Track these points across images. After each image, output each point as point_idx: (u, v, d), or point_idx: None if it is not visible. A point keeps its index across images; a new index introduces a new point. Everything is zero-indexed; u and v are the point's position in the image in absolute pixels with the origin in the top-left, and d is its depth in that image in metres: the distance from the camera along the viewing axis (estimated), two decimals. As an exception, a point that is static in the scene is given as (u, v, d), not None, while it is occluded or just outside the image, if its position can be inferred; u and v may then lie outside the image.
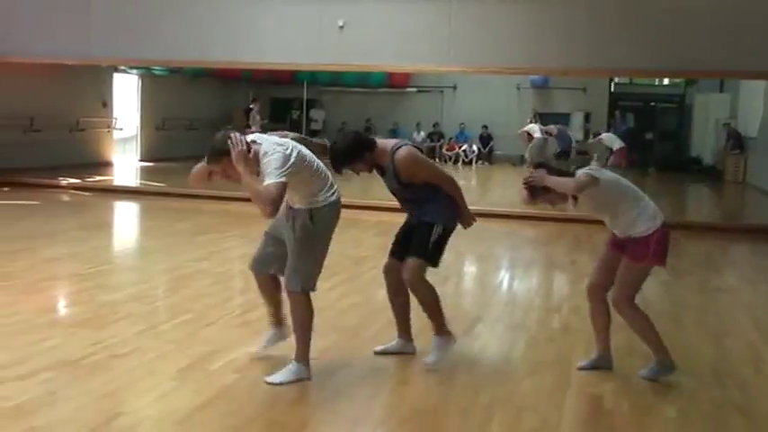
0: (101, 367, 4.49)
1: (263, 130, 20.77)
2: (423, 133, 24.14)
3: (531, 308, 6.57)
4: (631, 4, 11.34)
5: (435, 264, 4.68)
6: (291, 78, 21.44)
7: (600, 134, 18.38)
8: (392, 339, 4.96)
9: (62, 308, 6.24)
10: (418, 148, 4.73)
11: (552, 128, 18.42)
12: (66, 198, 12.62)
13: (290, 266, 4.30)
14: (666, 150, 23.36)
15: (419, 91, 24.64)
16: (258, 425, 3.84)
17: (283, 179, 3.98)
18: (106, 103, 18.50)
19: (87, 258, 7.81)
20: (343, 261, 7.62)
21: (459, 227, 4.84)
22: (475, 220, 4.86)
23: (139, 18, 12.75)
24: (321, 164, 4.37)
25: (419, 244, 4.62)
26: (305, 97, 21.92)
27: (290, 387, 4.29)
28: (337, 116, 24.20)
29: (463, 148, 23.42)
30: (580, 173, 4.54)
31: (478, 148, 23.25)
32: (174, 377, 4.32)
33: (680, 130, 24.04)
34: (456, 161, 23.11)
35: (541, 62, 12.10)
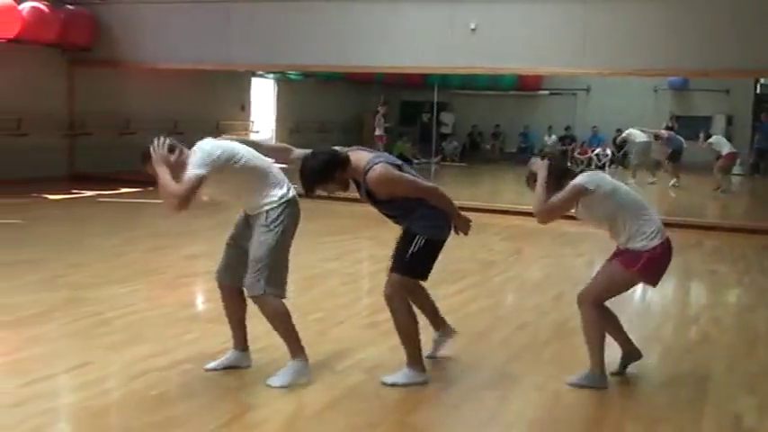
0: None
1: (389, 133, 21.16)
2: (554, 137, 23.73)
3: (666, 318, 6.34)
4: (780, 0, 10.77)
5: (420, 276, 4.39)
6: (422, 82, 21.55)
7: (710, 137, 17.95)
8: (521, 343, 4.90)
9: (201, 303, 6.52)
10: (393, 164, 4.28)
11: (663, 132, 18.04)
12: (204, 198, 13.17)
13: (251, 270, 4.18)
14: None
15: (551, 93, 24.23)
16: (385, 426, 3.88)
17: (199, 171, 3.95)
18: (244, 107, 19.21)
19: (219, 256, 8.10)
20: (472, 265, 7.59)
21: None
22: (471, 222, 4.42)
23: (276, 25, 13.18)
24: (266, 163, 4.24)
25: (397, 257, 4.33)
26: (435, 100, 21.95)
27: (418, 388, 4.31)
28: (467, 119, 24.14)
29: (596, 151, 22.85)
30: (574, 181, 4.26)
31: (612, 152, 22.62)
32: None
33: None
34: (588, 165, 22.56)
35: (680, 63, 11.65)
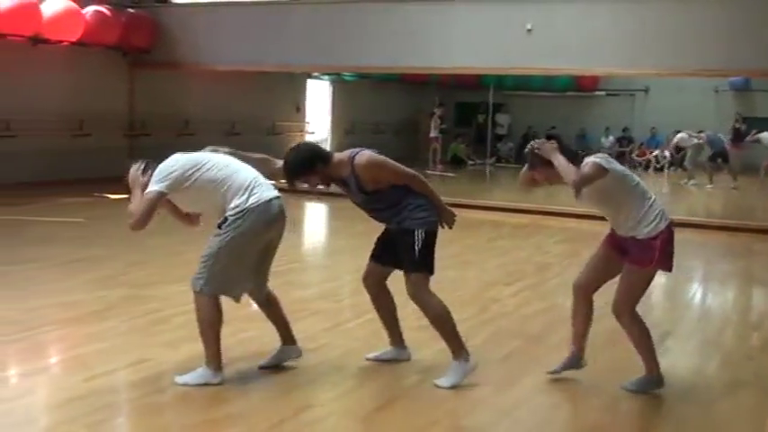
0: (291, 361, 4.70)
1: (444, 134, 21.10)
2: (611, 138, 23.40)
3: (726, 324, 6.20)
4: None
5: (431, 269, 4.37)
6: (477, 82, 21.46)
7: (758, 133, 17.65)
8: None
9: (254, 302, 6.58)
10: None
11: (702, 135, 17.83)
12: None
13: (198, 266, 4.23)
14: None
15: (608, 94, 23.90)
16: (439, 427, 3.88)
17: (155, 188, 4.07)
18: (300, 108, 19.38)
19: (279, 255, 8.18)
20: (528, 267, 7.52)
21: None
22: (455, 216, 4.44)
23: (332, 27, 13.27)
24: (233, 171, 4.20)
25: (408, 257, 4.31)
26: (490, 101, 21.85)
27: (473, 391, 4.29)
28: (523, 121, 23.95)
29: (654, 153, 22.47)
30: (588, 161, 4.16)
31: (671, 154, 22.19)
32: (359, 374, 4.44)
33: None
34: (647, 167, 22.20)
35: (742, 63, 11.39)
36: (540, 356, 4.98)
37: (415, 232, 4.27)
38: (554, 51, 11.88)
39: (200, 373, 4.24)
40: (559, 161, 4.13)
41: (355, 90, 20.99)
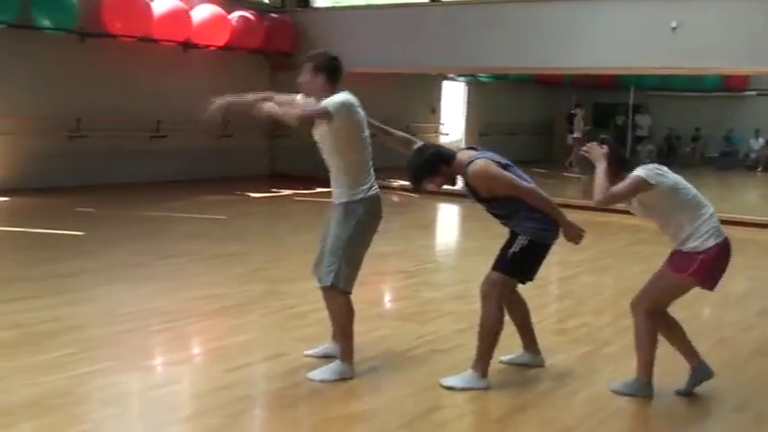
0: (423, 360, 4.72)
1: (587, 135, 20.58)
2: (761, 140, 22.20)
3: None
4: None
5: (520, 276, 4.32)
6: (615, 83, 20.84)
7: None
8: (721, 359, 4.62)
9: (389, 301, 6.67)
10: (498, 162, 4.26)
11: None
12: (395, 198, 13.44)
13: (325, 261, 4.30)
14: None
15: (759, 94, 22.62)
16: (574, 435, 3.80)
17: (328, 107, 4.11)
18: (434, 110, 19.43)
19: (413, 256, 8.28)
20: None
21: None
22: (583, 233, 4.26)
23: (469, 28, 13.22)
24: (369, 150, 4.31)
25: (500, 255, 4.31)
26: (630, 102, 21.15)
27: (613, 399, 4.18)
28: (664, 122, 23.08)
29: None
30: (635, 173, 3.93)
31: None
32: (492, 377, 4.40)
33: None
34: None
35: None
36: (682, 367, 4.77)
37: (519, 237, 4.24)
38: (701, 50, 11.36)
39: (334, 369, 4.32)
40: (599, 171, 4.04)
41: (490, 91, 20.84)
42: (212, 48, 13.73)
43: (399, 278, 7.30)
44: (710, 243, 3.97)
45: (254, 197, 12.79)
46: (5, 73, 11.51)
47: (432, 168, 4.29)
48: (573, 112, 20.48)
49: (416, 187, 4.36)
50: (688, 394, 4.28)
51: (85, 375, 4.27)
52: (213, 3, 13.68)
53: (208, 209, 11.09)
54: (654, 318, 4.18)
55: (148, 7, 12.52)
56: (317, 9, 16.35)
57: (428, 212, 12.72)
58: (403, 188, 14.28)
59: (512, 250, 4.24)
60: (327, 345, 4.61)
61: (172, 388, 4.23)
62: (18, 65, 11.64)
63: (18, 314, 5.36)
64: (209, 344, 5.19)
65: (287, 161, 15.30)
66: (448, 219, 12.93)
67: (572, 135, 20.31)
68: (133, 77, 13.01)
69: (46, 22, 11.47)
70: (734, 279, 7.71)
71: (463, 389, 4.21)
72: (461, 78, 19.88)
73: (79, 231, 8.75)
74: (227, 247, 8.20)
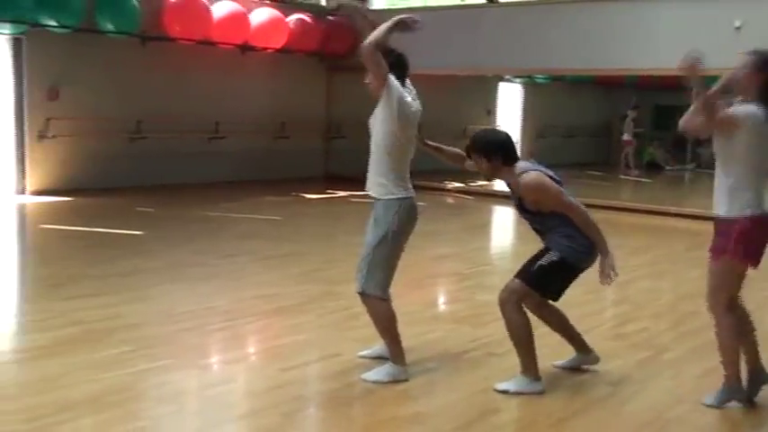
0: (478, 364, 4.70)
1: (638, 138, 20.20)
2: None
3: None
4: None
5: (543, 291, 4.26)
6: (678, 84, 20.37)
7: None
8: None
9: (444, 304, 6.65)
10: (551, 177, 4.21)
11: None
12: (450, 201, 13.41)
13: (359, 267, 4.30)
14: None
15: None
16: (630, 442, 3.73)
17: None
18: (490, 112, 19.31)
19: (468, 258, 8.25)
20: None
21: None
22: (615, 274, 4.15)
23: (526, 29, 13.11)
24: (406, 147, 4.39)
25: (526, 265, 4.25)
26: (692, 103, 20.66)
27: (670, 406, 4.10)
28: (727, 124, 22.50)
29: None
30: (738, 109, 3.87)
31: None
32: (547, 382, 4.34)
33: None
34: None
35: None
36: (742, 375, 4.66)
37: (551, 252, 4.19)
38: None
39: (387, 371, 4.33)
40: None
41: (547, 92, 20.62)
42: (270, 50, 13.88)
43: (454, 280, 7.27)
44: (748, 212, 3.88)
45: (309, 198, 12.89)
46: (70, 76, 11.81)
47: (490, 148, 4.29)
48: (627, 113, 20.15)
49: (468, 154, 4.43)
50: (748, 401, 4.16)
51: (143, 373, 4.35)
52: (271, 6, 13.84)
53: (264, 209, 11.21)
54: (734, 311, 4.06)
55: (208, 11, 12.71)
56: (375, 11, 16.38)
57: (483, 215, 12.66)
58: (458, 190, 14.26)
59: (539, 263, 4.20)
60: (379, 346, 4.62)
61: (228, 386, 4.29)
62: (82, 68, 11.94)
63: (80, 311, 5.49)
64: (266, 343, 5.25)
65: (342, 163, 15.37)
66: (503, 221, 12.83)
67: (622, 137, 20.01)
68: (192, 80, 13.24)
69: (109, 27, 11.74)
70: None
71: (516, 392, 4.18)
72: (518, 80, 19.72)
73: (139, 231, 8.93)
74: (283, 248, 8.28)
